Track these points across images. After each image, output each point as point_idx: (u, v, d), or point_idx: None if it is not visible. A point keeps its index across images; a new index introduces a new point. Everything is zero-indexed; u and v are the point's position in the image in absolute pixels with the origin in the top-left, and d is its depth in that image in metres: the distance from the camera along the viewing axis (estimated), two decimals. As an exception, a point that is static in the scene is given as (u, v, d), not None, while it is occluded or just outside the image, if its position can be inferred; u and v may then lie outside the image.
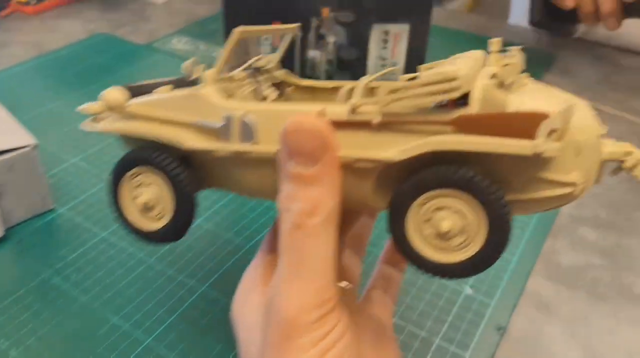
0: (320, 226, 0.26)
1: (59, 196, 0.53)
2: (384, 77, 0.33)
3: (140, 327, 0.41)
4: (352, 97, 0.27)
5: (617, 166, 0.27)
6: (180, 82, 0.35)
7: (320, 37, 0.61)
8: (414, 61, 0.63)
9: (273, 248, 0.33)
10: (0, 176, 0.46)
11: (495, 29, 0.95)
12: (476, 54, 0.30)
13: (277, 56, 0.38)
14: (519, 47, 0.28)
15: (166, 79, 0.35)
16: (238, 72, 0.35)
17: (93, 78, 0.74)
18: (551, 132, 0.23)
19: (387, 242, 0.41)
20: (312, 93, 0.38)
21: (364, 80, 0.31)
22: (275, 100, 0.36)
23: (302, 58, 0.62)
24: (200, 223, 0.51)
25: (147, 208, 0.33)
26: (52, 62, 0.78)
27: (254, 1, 0.58)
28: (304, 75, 0.63)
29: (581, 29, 0.92)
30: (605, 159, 0.26)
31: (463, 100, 0.25)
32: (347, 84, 0.35)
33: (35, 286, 0.44)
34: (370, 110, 0.26)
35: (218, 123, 0.29)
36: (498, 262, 0.48)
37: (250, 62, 0.36)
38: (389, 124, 0.26)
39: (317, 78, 0.63)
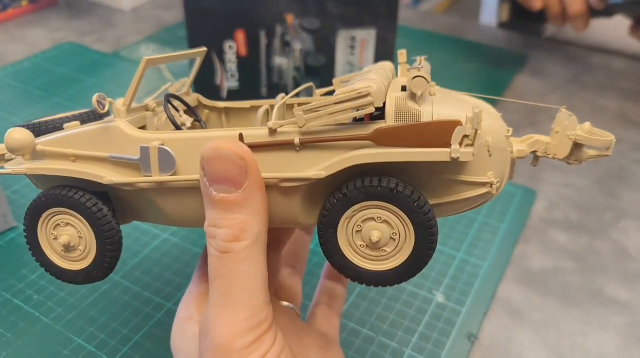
0: (247, 250, 0.26)
1: (21, 213, 0.52)
2: (303, 93, 0.34)
3: (105, 347, 0.40)
4: (270, 118, 0.28)
5: (534, 156, 0.29)
6: (87, 116, 0.34)
7: (286, 44, 0.60)
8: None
9: (204, 278, 0.33)
10: (-45, 196, 0.45)
11: (466, 29, 0.95)
12: (386, 64, 0.32)
13: (188, 80, 0.37)
14: (424, 56, 0.29)
15: (69, 114, 0.34)
16: (151, 101, 0.34)
17: (58, 89, 0.73)
18: (464, 137, 0.25)
19: None
20: (228, 114, 0.38)
21: (280, 100, 0.32)
22: (192, 126, 0.35)
23: (268, 66, 0.61)
24: (167, 237, 0.50)
25: (68, 249, 0.31)
26: (15, 74, 0.76)
27: (216, 9, 0.57)
28: (270, 83, 0.63)
29: (550, 29, 0.92)
30: (514, 156, 0.28)
31: (379, 113, 0.26)
32: (263, 103, 0.36)
33: (-6, 308, 0.43)
34: (290, 130, 0.27)
35: (134, 155, 0.29)
36: (469, 268, 0.48)
37: (162, 89, 0.35)
38: (310, 142, 0.27)
39: (284, 85, 0.63)
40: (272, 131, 0.27)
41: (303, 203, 0.28)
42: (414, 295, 0.45)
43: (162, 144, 0.28)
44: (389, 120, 0.26)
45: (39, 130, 0.32)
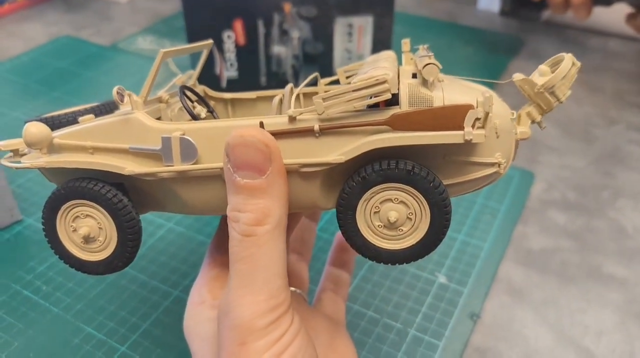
0: (268, 234, 0.27)
1: (26, 207, 0.53)
2: (310, 83, 0.35)
3: (115, 335, 0.41)
4: (286, 107, 0.29)
5: (537, 124, 0.31)
6: (99, 109, 0.34)
7: (284, 33, 0.60)
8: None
9: (215, 263, 0.34)
10: (-38, 190, 0.46)
11: (463, 15, 0.95)
12: (390, 54, 0.33)
13: (195, 73, 0.38)
14: (426, 45, 0.31)
15: (81, 107, 0.34)
16: (164, 93, 0.35)
17: (57, 84, 0.73)
18: (476, 120, 0.26)
19: (332, 246, 0.42)
20: (234, 105, 0.38)
21: (289, 90, 0.33)
22: (206, 117, 0.36)
23: (267, 54, 0.62)
24: (171, 226, 0.51)
25: (88, 240, 0.31)
26: (12, 69, 0.76)
27: (215, -1, 0.58)
28: (270, 72, 0.63)
29: (547, 12, 0.93)
30: (519, 138, 0.29)
31: (392, 99, 0.27)
32: (270, 94, 0.37)
33: (5, 300, 0.44)
34: (309, 118, 0.28)
35: (155, 146, 0.29)
36: (470, 250, 0.49)
37: (172, 82, 0.36)
38: (329, 129, 0.28)
39: (283, 74, 0.63)
40: (292, 119, 0.28)
41: (322, 188, 0.29)
42: (416, 277, 0.46)
43: (184, 134, 0.29)
44: (404, 106, 0.27)
45: (52, 124, 0.32)
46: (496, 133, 0.28)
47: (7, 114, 0.66)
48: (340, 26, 0.60)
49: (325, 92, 0.27)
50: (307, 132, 0.28)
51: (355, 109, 0.27)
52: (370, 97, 0.27)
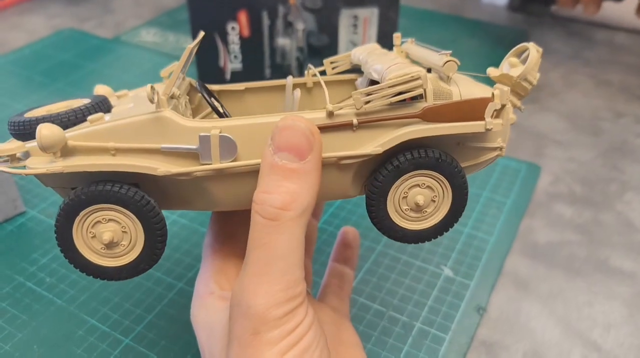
0: (292, 221, 0.27)
1: (30, 198, 0.52)
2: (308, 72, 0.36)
3: (119, 326, 0.41)
4: (289, 99, 0.31)
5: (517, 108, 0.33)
6: (94, 108, 0.32)
7: (289, 25, 0.60)
8: (385, 45, 0.63)
9: (217, 255, 0.34)
10: (-35, 181, 0.45)
11: (468, 8, 0.94)
12: (376, 46, 0.36)
13: (178, 65, 0.37)
14: (412, 39, 0.34)
15: (53, 106, 0.33)
16: (175, 89, 0.34)
17: (59, 76, 0.73)
18: (494, 111, 0.29)
19: (336, 242, 0.42)
20: (221, 98, 0.38)
21: (291, 82, 0.35)
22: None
23: (272, 46, 0.61)
24: (175, 219, 0.51)
25: (111, 246, 0.30)
26: (16, 61, 0.76)
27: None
28: (274, 64, 0.63)
29: (555, 7, 0.92)
30: (512, 122, 0.32)
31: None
32: (257, 85, 0.37)
33: (9, 292, 0.43)
34: (345, 112, 0.29)
35: (192, 144, 0.29)
36: (477, 243, 0.49)
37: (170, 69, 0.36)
38: (367, 122, 0.29)
39: (287, 66, 0.63)
40: (330, 114, 0.29)
41: (354, 178, 0.31)
42: (422, 270, 0.46)
43: (222, 132, 0.29)
44: (429, 100, 0.29)
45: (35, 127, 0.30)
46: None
47: (11, 105, 0.66)
48: (345, 18, 0.60)
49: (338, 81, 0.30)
50: (345, 126, 0.29)
51: (390, 103, 0.29)
52: (401, 93, 0.29)
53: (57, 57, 0.77)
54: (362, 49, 0.37)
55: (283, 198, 0.27)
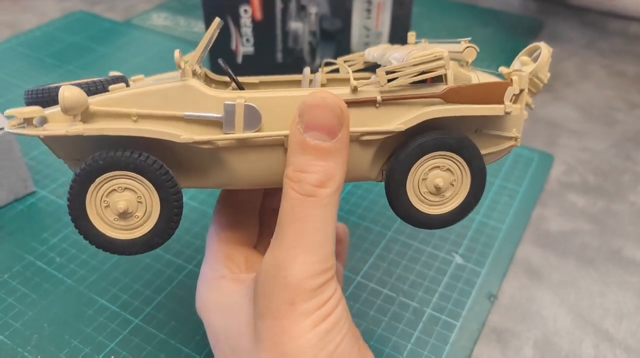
0: (329, 197, 0.28)
1: (40, 179, 0.52)
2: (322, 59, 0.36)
3: (129, 307, 0.41)
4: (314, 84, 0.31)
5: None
6: (102, 84, 0.31)
7: (302, 8, 0.59)
8: (398, 30, 0.62)
9: (224, 241, 0.34)
10: (-23, 160, 0.45)
11: (480, -4, 0.93)
12: (387, 45, 0.37)
13: (195, 54, 0.36)
14: (425, 40, 0.34)
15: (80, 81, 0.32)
16: (197, 67, 0.34)
17: (70, 58, 0.72)
18: (513, 96, 0.30)
19: None
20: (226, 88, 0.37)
21: (308, 74, 0.35)
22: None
23: (284, 30, 0.61)
24: (185, 201, 0.50)
25: (125, 217, 0.29)
26: (27, 43, 0.76)
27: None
28: (286, 48, 0.62)
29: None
30: (525, 118, 0.32)
31: (437, 77, 0.30)
32: (271, 79, 0.37)
33: (19, 270, 0.43)
34: (369, 89, 0.29)
35: (216, 113, 0.28)
36: (488, 231, 0.49)
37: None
38: (390, 100, 0.29)
39: (299, 50, 0.62)
40: (355, 90, 0.29)
41: (374, 158, 0.31)
42: (433, 257, 0.46)
43: (248, 102, 0.28)
44: (450, 82, 0.29)
45: (49, 96, 0.30)
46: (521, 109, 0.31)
47: (22, 86, 0.66)
48: (359, 2, 0.59)
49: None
50: (368, 103, 0.29)
51: (413, 82, 0.29)
52: (423, 73, 0.29)
53: (67, 39, 0.77)
54: (376, 48, 0.37)
55: (319, 177, 0.27)
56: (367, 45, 0.62)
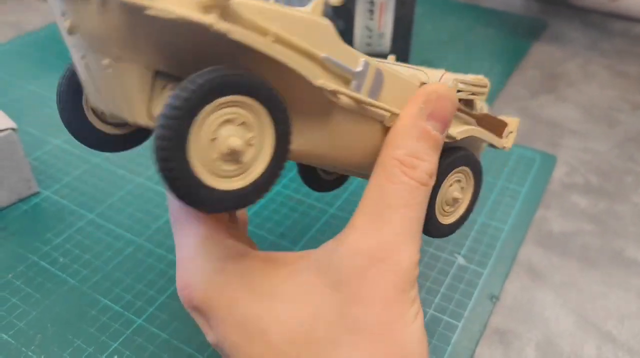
0: (429, 188, 0.28)
1: (43, 179, 0.53)
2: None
3: (131, 307, 0.41)
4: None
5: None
6: None
7: (305, 9, 0.59)
8: (401, 31, 0.62)
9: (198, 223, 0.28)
10: (-19, 160, 0.45)
11: (482, -3, 0.93)
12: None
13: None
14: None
15: None
16: None
17: (74, 58, 0.73)
18: (509, 132, 0.35)
19: None
20: None
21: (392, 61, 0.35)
22: None
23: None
24: (188, 202, 0.51)
25: (230, 158, 0.22)
26: (31, 42, 0.76)
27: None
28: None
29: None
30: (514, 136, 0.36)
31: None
32: None
33: (22, 270, 0.44)
34: None
35: (356, 67, 0.25)
36: (491, 232, 0.48)
37: None
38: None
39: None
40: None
41: None
42: (435, 258, 0.46)
43: (379, 66, 0.27)
44: (477, 107, 0.33)
45: None
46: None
47: (24, 86, 0.66)
48: (361, 3, 0.59)
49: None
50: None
51: (463, 99, 0.31)
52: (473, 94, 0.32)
53: (71, 39, 0.77)
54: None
55: (433, 168, 0.28)
56: (369, 46, 0.62)
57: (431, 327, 0.40)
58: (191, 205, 0.22)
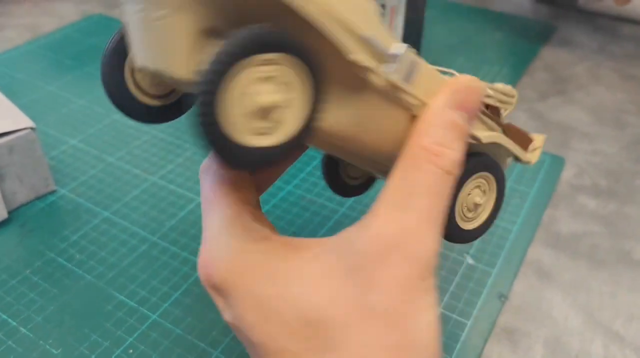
0: (455, 179, 0.28)
1: (60, 178, 0.54)
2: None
3: (146, 303, 0.42)
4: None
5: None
6: None
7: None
8: (411, 34, 0.63)
9: (237, 197, 0.29)
10: (1, 159, 0.47)
11: (495, 0, 0.94)
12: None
13: None
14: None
15: None
16: None
17: (88, 60, 0.74)
18: (534, 148, 0.36)
19: None
20: None
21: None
22: None
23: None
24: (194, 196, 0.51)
25: (262, 114, 0.22)
26: (47, 45, 0.77)
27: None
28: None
29: (582, 0, 0.91)
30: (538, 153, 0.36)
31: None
32: None
33: (40, 266, 0.45)
34: None
35: (392, 50, 0.25)
36: (500, 232, 0.49)
37: None
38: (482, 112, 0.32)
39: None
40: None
41: None
42: (444, 257, 0.46)
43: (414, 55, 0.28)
44: (502, 117, 0.33)
45: None
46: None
47: (42, 87, 0.67)
48: (372, 6, 0.60)
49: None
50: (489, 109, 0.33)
51: (488, 105, 0.32)
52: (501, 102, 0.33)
53: (86, 41, 0.78)
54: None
55: (459, 157, 0.27)
56: (380, 48, 0.63)
57: (441, 325, 0.41)
58: (219, 153, 0.22)
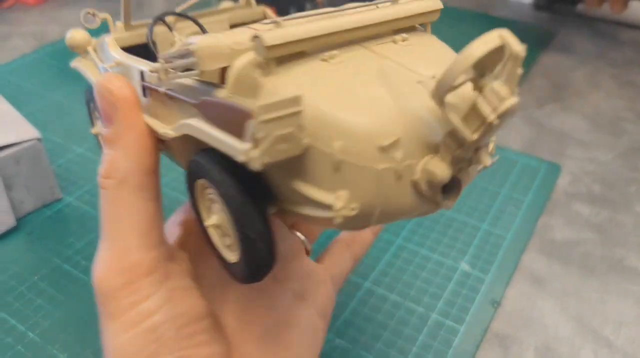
0: (116, 188, 0.26)
1: (66, 186, 0.55)
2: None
3: (149, 309, 0.43)
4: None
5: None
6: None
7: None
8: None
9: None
10: (8, 169, 0.48)
11: (495, 5, 0.95)
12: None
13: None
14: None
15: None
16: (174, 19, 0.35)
17: (95, 68, 0.75)
18: (253, 137, 0.18)
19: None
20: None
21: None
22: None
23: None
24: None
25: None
26: (53, 53, 0.79)
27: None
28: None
29: (580, 6, 0.92)
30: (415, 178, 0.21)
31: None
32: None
33: (47, 273, 0.46)
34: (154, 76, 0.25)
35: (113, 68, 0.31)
36: (493, 239, 0.50)
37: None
38: (173, 97, 0.24)
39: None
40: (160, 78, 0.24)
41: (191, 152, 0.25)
42: (439, 264, 0.47)
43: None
44: (227, 90, 0.21)
45: None
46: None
47: (46, 95, 0.69)
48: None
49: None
50: (153, 91, 0.26)
51: (166, 79, 0.23)
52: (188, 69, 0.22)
53: (91, 49, 0.80)
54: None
55: (104, 167, 0.26)
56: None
57: (434, 331, 0.42)
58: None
